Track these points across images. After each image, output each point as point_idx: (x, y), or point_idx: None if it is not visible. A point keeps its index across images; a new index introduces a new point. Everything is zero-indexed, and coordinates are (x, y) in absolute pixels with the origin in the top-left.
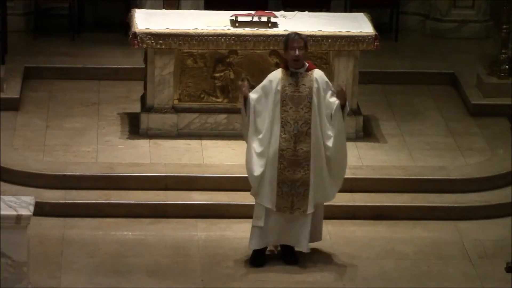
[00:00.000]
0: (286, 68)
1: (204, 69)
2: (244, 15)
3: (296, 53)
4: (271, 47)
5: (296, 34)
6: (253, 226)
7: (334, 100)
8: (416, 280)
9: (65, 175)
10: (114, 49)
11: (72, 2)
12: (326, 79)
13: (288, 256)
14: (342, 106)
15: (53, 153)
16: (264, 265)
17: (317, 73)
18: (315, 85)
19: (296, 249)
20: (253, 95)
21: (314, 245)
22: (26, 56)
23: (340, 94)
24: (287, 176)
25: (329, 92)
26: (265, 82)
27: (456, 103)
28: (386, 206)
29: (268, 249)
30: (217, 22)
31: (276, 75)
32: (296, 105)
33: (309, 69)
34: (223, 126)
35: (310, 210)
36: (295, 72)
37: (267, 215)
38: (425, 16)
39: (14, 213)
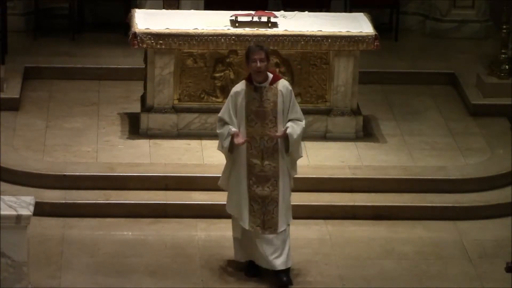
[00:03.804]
0: (249, 81)
1: (204, 69)
2: (244, 15)
3: (258, 65)
4: (271, 47)
5: (257, 45)
6: (233, 237)
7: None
8: (416, 280)
9: (65, 175)
10: (114, 49)
11: (72, 2)
12: (290, 88)
13: (281, 274)
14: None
15: (53, 153)
16: (258, 275)
17: (282, 85)
18: (279, 99)
19: (267, 267)
20: (227, 119)
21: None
22: (26, 56)
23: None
24: (256, 193)
25: (291, 102)
26: (230, 100)
27: (456, 103)
28: (386, 206)
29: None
30: (217, 22)
31: (239, 90)
32: (261, 121)
33: (273, 81)
34: None
35: (280, 228)
36: (258, 86)
37: (243, 230)
38: (425, 16)
39: (14, 213)
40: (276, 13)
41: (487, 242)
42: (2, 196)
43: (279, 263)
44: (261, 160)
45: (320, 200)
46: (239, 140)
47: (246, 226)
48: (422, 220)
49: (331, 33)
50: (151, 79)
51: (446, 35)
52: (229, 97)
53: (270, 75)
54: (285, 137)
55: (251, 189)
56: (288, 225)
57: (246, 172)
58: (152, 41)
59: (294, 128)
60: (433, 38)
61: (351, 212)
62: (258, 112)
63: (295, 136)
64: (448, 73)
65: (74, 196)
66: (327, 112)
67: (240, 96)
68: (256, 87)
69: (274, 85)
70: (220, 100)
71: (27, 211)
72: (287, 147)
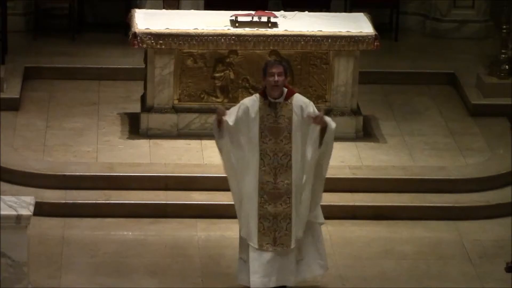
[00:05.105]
0: (264, 96)
1: (204, 69)
2: (244, 15)
3: (276, 79)
4: (271, 47)
5: (276, 60)
6: (239, 258)
7: (314, 126)
8: (416, 280)
9: (65, 175)
10: (114, 49)
11: (72, 2)
12: (306, 100)
13: None
14: (323, 129)
15: (53, 153)
16: None
17: (296, 99)
18: (294, 115)
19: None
20: (229, 119)
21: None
22: (26, 56)
23: (317, 121)
24: (268, 210)
25: (311, 113)
26: (240, 110)
27: (456, 103)
28: (386, 206)
29: None
30: (217, 22)
31: (253, 103)
32: (275, 137)
33: (288, 96)
34: None
35: (293, 244)
36: (273, 102)
37: (251, 251)
38: (425, 16)
39: (14, 213)
40: (276, 13)
41: (487, 242)
42: (2, 196)
43: (291, 278)
44: (274, 177)
45: None
46: (220, 113)
47: (256, 245)
48: (422, 220)
49: (331, 33)
50: (151, 79)
51: (446, 35)
52: (240, 105)
53: (285, 90)
54: (323, 123)
55: (262, 207)
56: (298, 239)
57: (257, 190)
58: (152, 41)
59: (331, 121)
60: (433, 38)
61: (351, 212)
62: (272, 129)
63: (333, 126)
64: (448, 73)
65: (74, 196)
66: (327, 112)
67: (254, 111)
68: (270, 102)
69: (289, 100)
70: (220, 100)
71: (27, 211)
72: (321, 139)
